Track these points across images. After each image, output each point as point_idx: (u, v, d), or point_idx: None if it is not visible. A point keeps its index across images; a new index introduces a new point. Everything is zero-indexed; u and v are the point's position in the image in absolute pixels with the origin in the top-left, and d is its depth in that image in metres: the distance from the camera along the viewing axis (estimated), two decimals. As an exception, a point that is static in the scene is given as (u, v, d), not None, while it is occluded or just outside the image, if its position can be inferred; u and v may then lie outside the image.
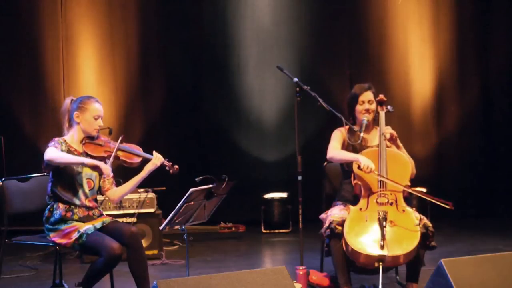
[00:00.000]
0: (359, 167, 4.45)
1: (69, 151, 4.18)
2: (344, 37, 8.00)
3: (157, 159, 4.24)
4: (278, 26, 7.91)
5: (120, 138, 4.23)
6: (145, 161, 4.26)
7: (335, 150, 4.64)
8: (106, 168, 4.08)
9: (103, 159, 4.18)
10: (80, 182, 4.19)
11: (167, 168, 4.27)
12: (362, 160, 4.45)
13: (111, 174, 4.18)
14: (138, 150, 4.31)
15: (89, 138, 4.24)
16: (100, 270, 4.07)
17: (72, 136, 4.25)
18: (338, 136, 4.73)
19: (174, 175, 4.29)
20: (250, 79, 7.94)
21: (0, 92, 7.46)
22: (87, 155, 4.18)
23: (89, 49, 7.58)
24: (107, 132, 4.35)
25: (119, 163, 4.29)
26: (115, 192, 4.31)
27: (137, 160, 4.26)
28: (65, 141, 4.22)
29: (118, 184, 4.38)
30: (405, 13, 7.98)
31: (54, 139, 4.19)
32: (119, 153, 4.22)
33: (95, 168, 4.09)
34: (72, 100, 4.29)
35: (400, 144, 4.68)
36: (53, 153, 4.07)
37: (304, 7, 7.95)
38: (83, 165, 4.11)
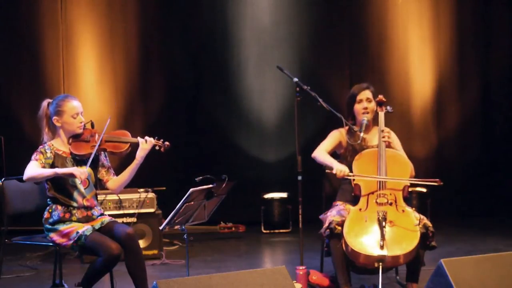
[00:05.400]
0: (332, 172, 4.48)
1: (56, 155, 4.17)
2: (344, 37, 8.00)
3: (146, 143, 4.21)
4: (278, 26, 7.91)
5: (102, 134, 4.15)
6: (134, 145, 4.22)
7: (320, 152, 4.67)
8: (81, 173, 4.00)
9: (90, 155, 4.13)
10: (73, 184, 4.17)
11: (157, 147, 4.24)
12: (336, 165, 4.48)
13: (85, 178, 4.04)
14: (125, 136, 4.25)
15: (75, 137, 4.21)
16: (99, 270, 4.07)
17: (58, 138, 4.23)
18: (333, 137, 4.74)
19: (166, 152, 4.25)
20: (250, 79, 7.94)
21: (0, 92, 7.46)
22: (75, 155, 4.17)
23: (89, 49, 7.57)
24: (89, 125, 4.29)
25: (109, 154, 4.28)
26: (114, 182, 4.30)
27: (125, 147, 4.21)
28: (52, 145, 4.19)
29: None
30: (405, 13, 7.98)
31: (38, 149, 4.16)
32: (107, 144, 4.19)
33: (70, 175, 4.05)
34: (48, 103, 4.24)
35: (398, 148, 4.68)
36: (29, 172, 4.02)
37: (304, 7, 7.95)
38: (57, 175, 4.04)
